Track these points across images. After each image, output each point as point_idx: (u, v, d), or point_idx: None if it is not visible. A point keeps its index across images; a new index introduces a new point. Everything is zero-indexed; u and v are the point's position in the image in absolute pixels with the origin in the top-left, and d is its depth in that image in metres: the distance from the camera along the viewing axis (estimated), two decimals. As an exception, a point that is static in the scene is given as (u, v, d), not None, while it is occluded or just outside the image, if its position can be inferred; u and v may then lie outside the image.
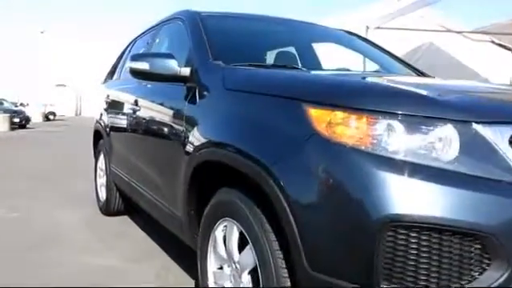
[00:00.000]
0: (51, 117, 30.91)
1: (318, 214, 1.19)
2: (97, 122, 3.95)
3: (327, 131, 1.21)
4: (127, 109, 2.83)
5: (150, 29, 3.25)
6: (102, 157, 3.81)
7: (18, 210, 3.87)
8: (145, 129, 2.53)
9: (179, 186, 1.96)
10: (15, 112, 20.23)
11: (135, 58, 2.11)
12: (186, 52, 2.20)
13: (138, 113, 2.63)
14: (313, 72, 2.03)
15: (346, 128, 1.20)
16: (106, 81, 4.17)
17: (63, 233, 3.25)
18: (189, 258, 2.20)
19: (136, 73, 2.11)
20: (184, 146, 1.90)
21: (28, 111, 23.44)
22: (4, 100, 22.76)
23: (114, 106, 3.41)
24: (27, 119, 20.98)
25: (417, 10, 7.51)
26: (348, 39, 2.83)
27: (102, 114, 3.86)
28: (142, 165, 2.59)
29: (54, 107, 33.14)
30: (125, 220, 3.68)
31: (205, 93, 1.86)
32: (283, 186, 1.25)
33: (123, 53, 3.98)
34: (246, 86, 1.61)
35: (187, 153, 1.86)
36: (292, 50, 2.61)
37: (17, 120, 19.44)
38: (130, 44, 3.87)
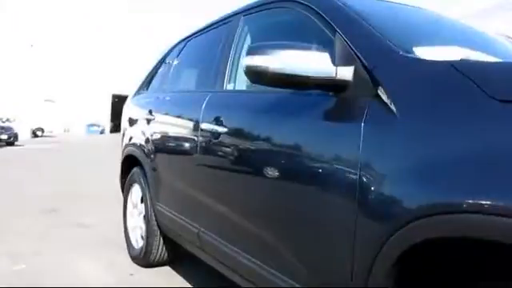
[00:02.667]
0: (39, 133, 29.61)
1: None
2: (129, 145, 3.10)
3: None
4: (200, 131, 2.01)
5: (214, 23, 2.44)
6: (137, 190, 2.94)
7: (24, 258, 2.97)
8: (247, 162, 1.66)
9: (342, 265, 1.16)
10: (3, 128, 19.07)
11: (258, 50, 1.30)
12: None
13: (226, 137, 1.78)
14: None
15: None
16: (139, 93, 3.33)
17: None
18: None
19: (261, 75, 1.30)
20: (362, 202, 1.10)
21: (15, 127, 22.19)
22: (-11, 115, 21.56)
23: (165, 126, 2.56)
24: (15, 136, 19.78)
25: None
26: None
27: (132, 137, 3.02)
28: (237, 214, 1.75)
29: (41, 123, 31.77)
30: (166, 272, 2.82)
31: (419, 108, 1.06)
32: None
33: (163, 59, 3.17)
34: None
35: (376, 215, 1.06)
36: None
37: (4, 137, 18.29)
38: (173, 47, 3.05)
